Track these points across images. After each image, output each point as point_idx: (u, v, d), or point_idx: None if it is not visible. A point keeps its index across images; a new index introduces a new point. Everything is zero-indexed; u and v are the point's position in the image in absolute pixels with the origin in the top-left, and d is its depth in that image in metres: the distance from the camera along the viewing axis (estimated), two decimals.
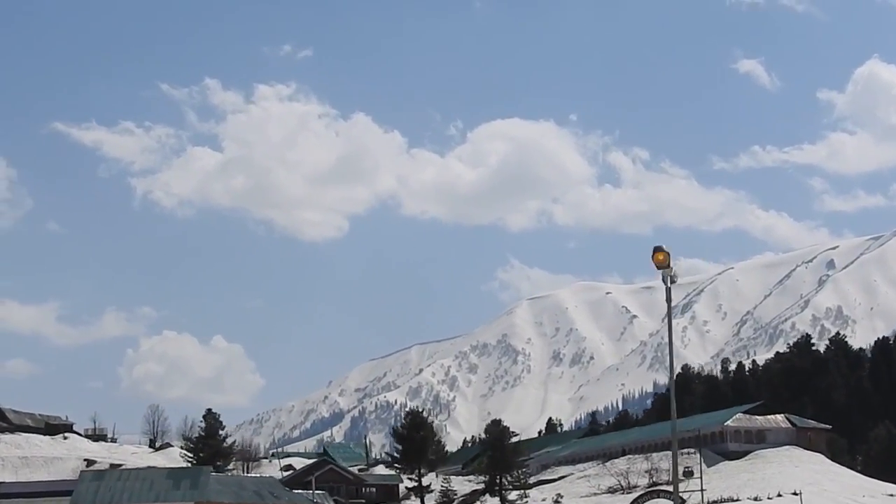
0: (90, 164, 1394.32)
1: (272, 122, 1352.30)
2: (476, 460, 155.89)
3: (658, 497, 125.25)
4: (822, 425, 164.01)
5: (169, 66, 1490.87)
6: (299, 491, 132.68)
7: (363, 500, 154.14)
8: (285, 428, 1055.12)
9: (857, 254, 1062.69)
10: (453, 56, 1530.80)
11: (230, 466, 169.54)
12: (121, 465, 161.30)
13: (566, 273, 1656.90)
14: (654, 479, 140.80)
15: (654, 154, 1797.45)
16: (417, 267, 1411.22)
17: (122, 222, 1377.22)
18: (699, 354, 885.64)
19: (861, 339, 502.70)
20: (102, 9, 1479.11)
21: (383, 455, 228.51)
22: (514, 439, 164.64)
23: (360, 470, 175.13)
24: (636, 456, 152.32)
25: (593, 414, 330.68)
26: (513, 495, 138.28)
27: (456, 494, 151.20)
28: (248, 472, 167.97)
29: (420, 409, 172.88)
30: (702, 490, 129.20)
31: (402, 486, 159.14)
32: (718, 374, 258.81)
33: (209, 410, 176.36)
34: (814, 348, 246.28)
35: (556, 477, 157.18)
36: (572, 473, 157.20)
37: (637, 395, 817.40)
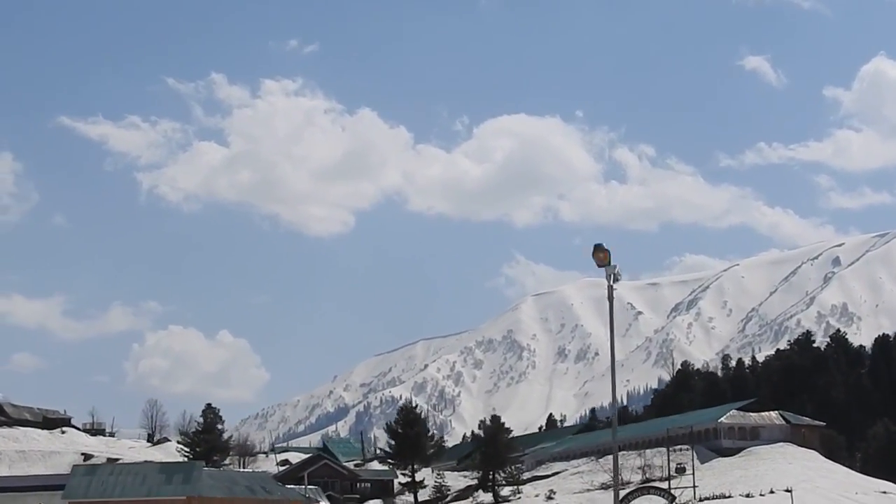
0: (96, 159, 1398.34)
1: (278, 117, 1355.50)
2: (470, 456, 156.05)
3: (648, 493, 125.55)
4: (817, 422, 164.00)
5: (175, 60, 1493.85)
6: (292, 486, 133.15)
7: (357, 496, 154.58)
8: (290, 423, 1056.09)
9: (862, 251, 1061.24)
10: (459, 52, 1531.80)
11: (227, 461, 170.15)
12: (118, 460, 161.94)
13: (571, 269, 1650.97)
14: (647, 476, 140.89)
15: (661, 150, 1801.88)
16: (423, 262, 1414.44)
17: (128, 217, 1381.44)
18: (704, 351, 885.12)
19: (866, 336, 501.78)
20: (109, 3, 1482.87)
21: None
22: (513, 435, 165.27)
23: (356, 465, 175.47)
24: (629, 452, 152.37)
25: (592, 410, 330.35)
26: (506, 491, 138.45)
27: (449, 490, 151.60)
28: (244, 467, 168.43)
29: (414, 405, 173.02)
30: (694, 487, 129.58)
31: (397, 482, 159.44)
32: (719, 371, 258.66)
33: (208, 405, 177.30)
34: (814, 345, 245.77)
35: (549, 473, 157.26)
36: (566, 469, 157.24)
37: (641, 392, 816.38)
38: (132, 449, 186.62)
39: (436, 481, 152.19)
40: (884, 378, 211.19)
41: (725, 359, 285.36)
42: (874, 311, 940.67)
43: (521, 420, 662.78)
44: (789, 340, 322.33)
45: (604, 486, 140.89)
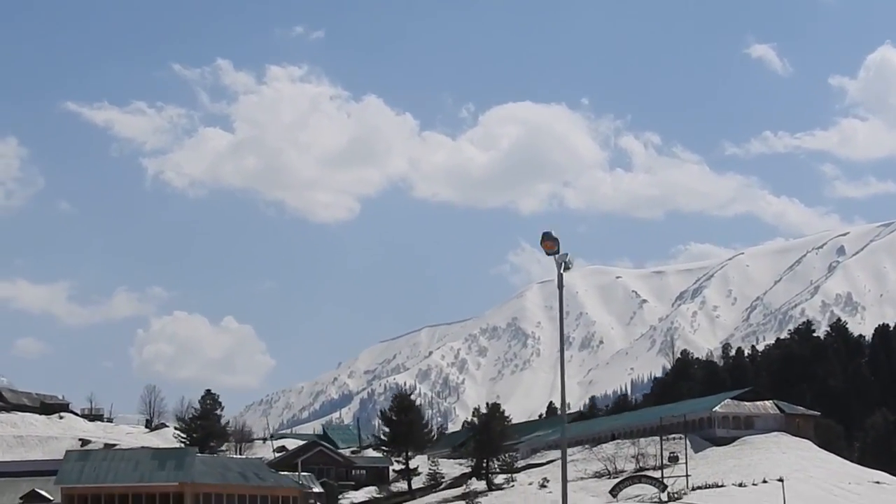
0: (102, 144, 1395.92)
1: (284, 104, 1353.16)
2: (466, 444, 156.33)
3: (640, 482, 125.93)
4: (811, 412, 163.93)
5: (181, 46, 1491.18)
6: (286, 473, 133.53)
7: (353, 483, 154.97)
8: (294, 409, 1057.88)
9: (867, 240, 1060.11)
10: (465, 39, 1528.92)
11: (223, 447, 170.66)
12: (115, 445, 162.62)
13: (577, 257, 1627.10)
14: (641, 465, 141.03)
15: (666, 139, 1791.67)
16: (428, 249, 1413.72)
17: (134, 202, 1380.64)
18: (708, 339, 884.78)
19: (870, 325, 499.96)
20: None
21: None
22: (514, 422, 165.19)
23: (352, 452, 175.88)
24: (624, 441, 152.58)
25: (592, 398, 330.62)
26: (499, 479, 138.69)
27: (444, 477, 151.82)
28: (241, 454, 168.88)
29: (409, 393, 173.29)
30: (686, 476, 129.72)
31: (392, 469, 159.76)
32: (719, 360, 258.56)
33: (208, 391, 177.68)
34: (814, 334, 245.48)
35: (544, 461, 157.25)
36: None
37: (645, 380, 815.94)
38: (130, 435, 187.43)
39: (430, 469, 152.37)
40: (883, 368, 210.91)
41: (726, 348, 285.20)
42: (878, 300, 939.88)
43: (526, 408, 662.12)
44: (789, 330, 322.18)
45: (598, 475, 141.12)
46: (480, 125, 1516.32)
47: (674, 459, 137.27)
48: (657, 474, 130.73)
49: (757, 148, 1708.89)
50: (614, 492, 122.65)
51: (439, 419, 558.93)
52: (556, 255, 38.96)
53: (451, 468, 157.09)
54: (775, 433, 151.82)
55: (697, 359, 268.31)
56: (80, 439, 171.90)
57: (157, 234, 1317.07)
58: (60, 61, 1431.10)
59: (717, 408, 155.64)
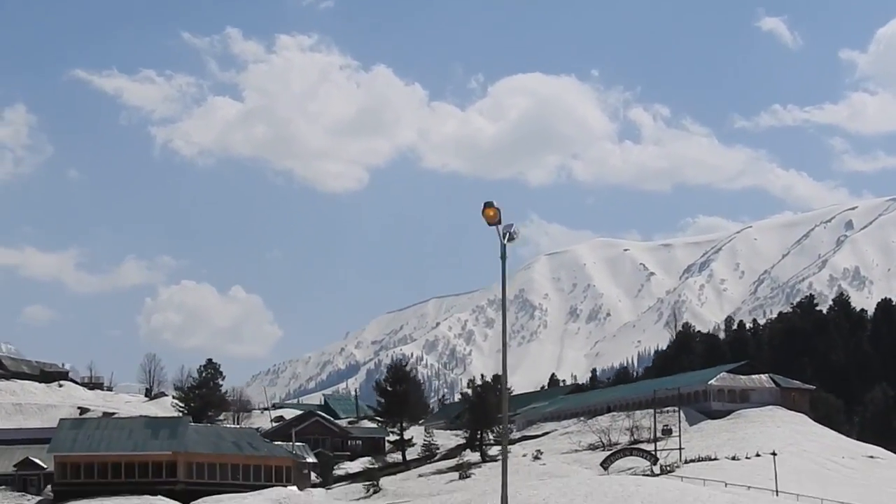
0: (111, 112, 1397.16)
1: (293, 73, 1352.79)
2: (461, 416, 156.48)
3: (630, 454, 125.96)
4: (807, 386, 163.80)
5: (191, 14, 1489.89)
6: (279, 442, 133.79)
7: (348, 453, 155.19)
8: (301, 379, 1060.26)
9: (875, 214, 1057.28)
10: (475, 9, 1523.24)
11: (221, 417, 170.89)
12: (114, 414, 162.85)
13: (585, 229, 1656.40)
14: (636, 437, 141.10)
15: (675, 111, 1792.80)
16: (436, 220, 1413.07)
17: (143, 171, 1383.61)
18: (716, 313, 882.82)
19: (878, 300, 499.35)
20: None
21: None
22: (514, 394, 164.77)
23: (349, 423, 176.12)
24: (619, 413, 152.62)
25: (594, 371, 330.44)
26: (494, 450, 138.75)
27: (439, 449, 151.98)
28: (238, 423, 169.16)
29: (404, 364, 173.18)
30: (680, 448, 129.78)
31: (387, 440, 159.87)
32: (721, 334, 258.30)
33: (209, 360, 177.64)
34: (817, 308, 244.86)
35: (539, 433, 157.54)
36: (556, 430, 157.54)
37: (652, 353, 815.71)
38: (129, 403, 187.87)
39: (425, 440, 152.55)
40: (885, 342, 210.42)
41: (728, 321, 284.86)
42: (886, 274, 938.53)
43: (532, 380, 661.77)
44: (791, 303, 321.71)
45: (591, 447, 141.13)
46: (490, 96, 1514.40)
47: (668, 432, 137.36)
48: (651, 447, 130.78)
49: (766, 121, 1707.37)
50: (605, 464, 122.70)
51: (445, 391, 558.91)
52: (499, 226, 38.15)
53: (448, 439, 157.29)
54: (770, 407, 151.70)
55: (699, 332, 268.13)
56: (78, 408, 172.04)
57: (166, 204, 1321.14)
58: (70, 29, 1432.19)
59: (712, 381, 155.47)
